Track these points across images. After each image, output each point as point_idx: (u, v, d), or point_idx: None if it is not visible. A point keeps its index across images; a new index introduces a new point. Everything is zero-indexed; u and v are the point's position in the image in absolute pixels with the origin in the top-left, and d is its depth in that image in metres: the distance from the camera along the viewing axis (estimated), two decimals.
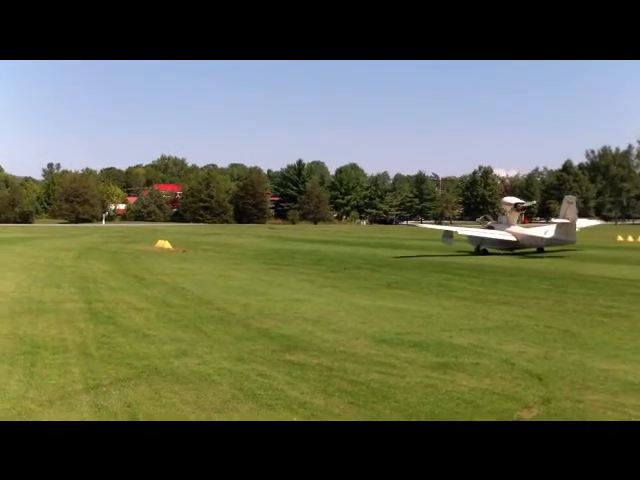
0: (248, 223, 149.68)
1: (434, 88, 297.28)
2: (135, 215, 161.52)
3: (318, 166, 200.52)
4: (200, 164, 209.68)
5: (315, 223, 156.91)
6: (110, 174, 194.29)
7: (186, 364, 12.64)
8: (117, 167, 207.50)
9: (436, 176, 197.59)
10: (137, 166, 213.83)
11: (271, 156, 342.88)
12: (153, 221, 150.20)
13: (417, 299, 22.47)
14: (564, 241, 44.65)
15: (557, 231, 44.64)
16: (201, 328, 16.49)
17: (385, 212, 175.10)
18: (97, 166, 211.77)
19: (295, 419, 9.42)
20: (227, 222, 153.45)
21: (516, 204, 49.12)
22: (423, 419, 9.44)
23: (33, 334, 15.43)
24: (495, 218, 52.71)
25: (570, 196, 48.87)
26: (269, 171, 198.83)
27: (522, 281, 28.30)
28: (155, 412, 9.61)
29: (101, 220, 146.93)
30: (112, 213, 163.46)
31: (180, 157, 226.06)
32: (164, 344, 14.49)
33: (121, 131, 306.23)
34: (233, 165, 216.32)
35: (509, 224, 47.96)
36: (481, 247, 46.96)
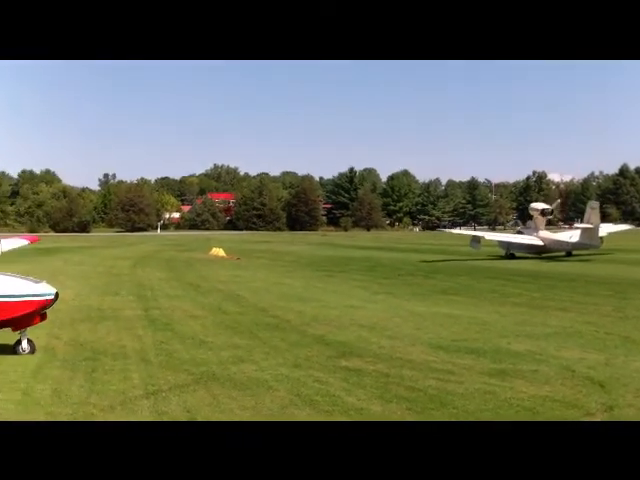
0: (301, 230, 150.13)
1: (482, 90, 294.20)
2: (189, 223, 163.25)
3: (370, 173, 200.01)
4: (252, 172, 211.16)
5: (368, 230, 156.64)
6: (164, 183, 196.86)
7: (243, 370, 12.73)
8: (171, 176, 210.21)
9: (489, 182, 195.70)
10: (191, 175, 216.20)
11: (323, 164, 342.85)
12: (207, 229, 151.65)
13: (472, 305, 22.27)
14: (589, 245, 45.91)
15: (582, 236, 45.95)
16: (257, 335, 16.60)
17: (438, 218, 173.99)
18: (152, 176, 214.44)
19: None
20: (280, 230, 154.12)
21: (542, 210, 50.53)
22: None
23: (93, 341, 15.72)
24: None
25: (593, 202, 50.54)
26: (321, 178, 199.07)
27: (580, 287, 27.82)
28: (214, 418, 9.68)
29: (156, 229, 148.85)
30: (167, 222, 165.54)
31: (233, 166, 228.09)
32: (221, 350, 14.62)
33: (174, 141, 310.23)
34: (285, 173, 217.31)
35: (537, 229, 49.22)
36: (509, 251, 48.37)
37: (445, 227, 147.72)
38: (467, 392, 11.07)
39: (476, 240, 49.24)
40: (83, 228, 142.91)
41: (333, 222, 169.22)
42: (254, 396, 10.90)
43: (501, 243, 50.37)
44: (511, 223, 57.34)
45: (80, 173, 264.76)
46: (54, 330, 16.62)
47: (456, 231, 78.18)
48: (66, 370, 12.77)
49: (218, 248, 54.78)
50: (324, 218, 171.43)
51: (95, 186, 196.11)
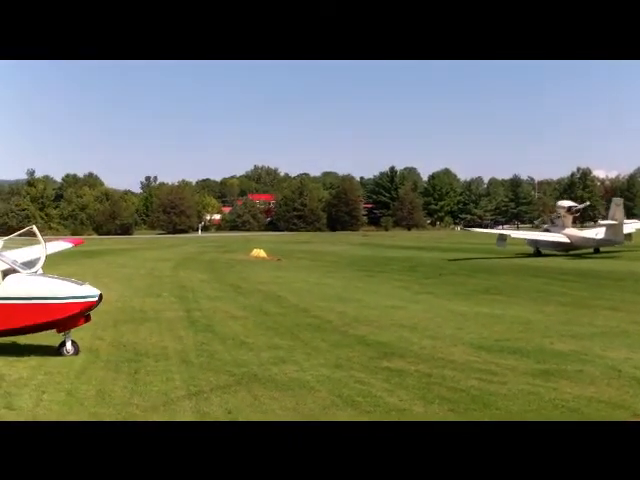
0: (341, 230, 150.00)
1: (526, 87, 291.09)
2: (230, 225, 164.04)
3: (411, 172, 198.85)
4: (293, 173, 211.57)
5: (409, 229, 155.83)
6: (205, 185, 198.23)
7: (284, 371, 12.73)
8: (212, 178, 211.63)
9: (532, 179, 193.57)
10: (231, 177, 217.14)
11: (363, 163, 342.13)
12: (247, 230, 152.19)
13: (515, 304, 22.01)
14: (614, 241, 46.69)
15: (607, 232, 46.56)
16: (298, 335, 16.59)
17: (480, 217, 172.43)
18: (192, 178, 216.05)
19: None
20: (320, 230, 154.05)
21: (569, 207, 51.29)
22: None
23: (136, 342, 15.87)
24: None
25: (618, 198, 51.21)
26: (361, 178, 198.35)
27: (629, 286, 27.30)
28: (255, 418, 9.68)
29: (197, 230, 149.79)
30: (208, 223, 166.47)
31: (273, 167, 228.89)
32: (262, 351, 14.64)
33: (215, 142, 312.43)
34: (325, 173, 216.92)
35: (564, 227, 49.74)
36: (536, 249, 49.28)
37: (482, 226, 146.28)
38: (510, 393, 10.93)
39: (502, 239, 49.99)
40: (125, 230, 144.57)
41: (374, 222, 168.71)
42: (295, 397, 10.89)
43: (529, 241, 51.00)
44: (539, 220, 58.77)
45: (122, 176, 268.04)
46: (98, 331, 16.80)
47: (481, 230, 79.28)
48: (109, 371, 12.90)
49: (259, 249, 54.92)
50: (365, 218, 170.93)
51: (137, 189, 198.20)
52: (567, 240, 48.38)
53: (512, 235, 53.12)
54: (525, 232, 57.26)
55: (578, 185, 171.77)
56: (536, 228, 57.17)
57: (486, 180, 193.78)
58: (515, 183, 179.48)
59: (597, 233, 48.29)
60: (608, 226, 46.90)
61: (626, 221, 49.70)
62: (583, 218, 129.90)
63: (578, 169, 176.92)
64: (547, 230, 51.85)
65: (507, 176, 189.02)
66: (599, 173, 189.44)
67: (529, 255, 48.32)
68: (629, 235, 49.07)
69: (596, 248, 48.25)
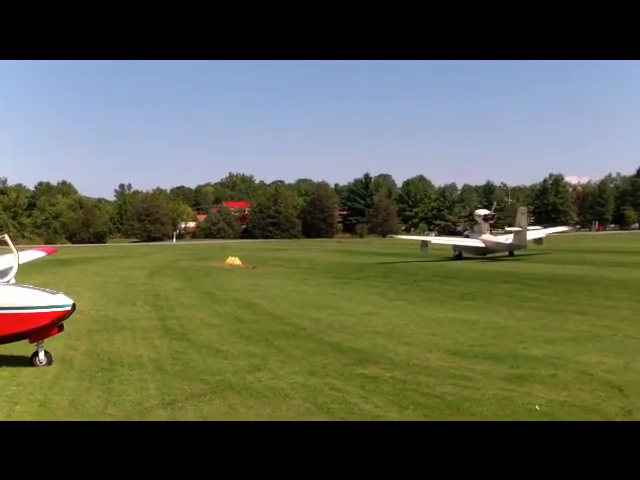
0: (316, 237, 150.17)
1: (501, 94, 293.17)
2: (205, 232, 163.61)
3: (385, 179, 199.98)
4: (268, 180, 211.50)
5: (383, 236, 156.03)
6: (180, 193, 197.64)
7: (259, 379, 12.71)
8: (186, 186, 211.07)
9: (505, 185, 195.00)
10: (206, 184, 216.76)
11: (338, 170, 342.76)
12: (223, 238, 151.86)
13: (489, 310, 22.16)
14: (519, 246, 53.43)
15: (514, 238, 53.36)
16: (273, 343, 16.59)
17: (454, 223, 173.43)
18: (167, 185, 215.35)
19: None
20: (296, 237, 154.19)
21: (485, 215, 57.38)
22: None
23: (110, 351, 15.77)
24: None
25: (523, 207, 58.95)
26: (336, 185, 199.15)
27: (598, 290, 27.58)
28: None
29: (172, 238, 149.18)
30: (182, 231, 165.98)
31: (248, 174, 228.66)
32: (237, 359, 14.61)
33: (190, 151, 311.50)
34: (301, 180, 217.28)
35: (481, 233, 56.09)
36: (457, 252, 55.15)
37: (456, 232, 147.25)
38: (484, 398, 11.00)
39: (425, 244, 55.85)
40: (99, 239, 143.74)
41: (349, 229, 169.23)
42: (270, 405, 10.87)
43: (453, 246, 56.78)
44: (460, 228, 64.39)
45: (96, 184, 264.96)
46: (71, 341, 16.67)
47: (407, 237, 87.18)
48: (83, 381, 12.80)
49: (234, 257, 54.83)
50: (340, 225, 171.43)
51: (111, 197, 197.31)
52: (483, 245, 54.77)
53: (432, 241, 59.93)
54: (446, 238, 67.01)
55: (550, 191, 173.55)
56: (459, 235, 64.12)
57: (460, 187, 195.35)
58: (488, 189, 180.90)
59: (507, 239, 54.66)
60: (515, 232, 53.53)
61: (532, 228, 59.42)
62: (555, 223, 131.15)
63: (550, 175, 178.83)
64: (467, 236, 58.32)
65: (481, 183, 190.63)
66: (571, 179, 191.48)
67: (453, 258, 53.84)
68: (540, 240, 57.95)
69: (510, 252, 54.22)
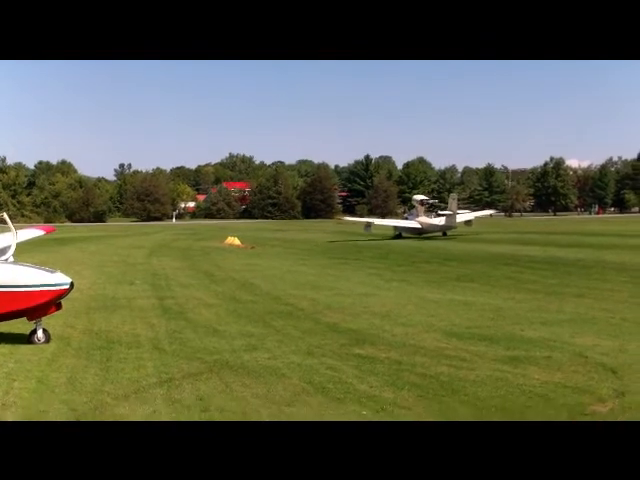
0: (316, 218, 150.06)
1: (504, 76, 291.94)
2: (204, 213, 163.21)
3: (385, 161, 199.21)
4: (268, 161, 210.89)
5: (383, 217, 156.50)
6: (180, 173, 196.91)
7: (256, 358, 12.78)
8: (186, 166, 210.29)
9: (506, 168, 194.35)
10: (206, 164, 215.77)
11: (339, 152, 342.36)
12: (222, 218, 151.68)
13: (487, 292, 22.23)
14: (450, 227, 61.05)
15: (446, 220, 60.63)
16: (270, 323, 16.65)
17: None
18: (167, 165, 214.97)
19: (364, 412, 9.44)
20: (295, 218, 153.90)
21: (421, 200, 64.37)
22: (493, 412, 9.35)
23: (108, 330, 15.83)
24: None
25: (453, 194, 69.21)
26: (337, 167, 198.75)
27: (596, 273, 27.64)
28: (226, 405, 9.76)
29: (171, 218, 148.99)
30: (182, 211, 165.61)
31: (248, 155, 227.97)
32: (234, 339, 14.68)
33: (190, 130, 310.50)
34: (301, 161, 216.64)
35: (418, 215, 62.51)
36: (397, 232, 61.74)
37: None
38: (479, 379, 11.08)
39: (368, 225, 62.28)
40: (99, 218, 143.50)
41: (349, 210, 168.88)
42: (266, 384, 10.95)
43: (394, 227, 63.82)
44: (402, 211, 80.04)
45: (96, 163, 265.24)
46: (69, 319, 16.72)
47: (353, 219, 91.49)
48: (81, 359, 12.87)
49: (233, 237, 54.84)
50: (340, 206, 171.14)
51: (111, 176, 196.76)
52: (419, 226, 61.22)
53: (375, 222, 66.42)
54: (387, 220, 75.32)
55: (551, 174, 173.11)
56: (399, 216, 72.56)
57: (460, 169, 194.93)
58: (489, 172, 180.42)
59: (440, 221, 61.38)
60: (447, 215, 60.99)
61: (461, 211, 66.33)
62: (556, 208, 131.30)
63: (551, 158, 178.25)
64: (406, 218, 65.14)
65: (481, 165, 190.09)
66: (572, 162, 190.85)
67: (393, 237, 59.96)
68: (469, 221, 66.48)
69: (443, 232, 61.26)
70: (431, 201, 66.96)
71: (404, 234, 61.11)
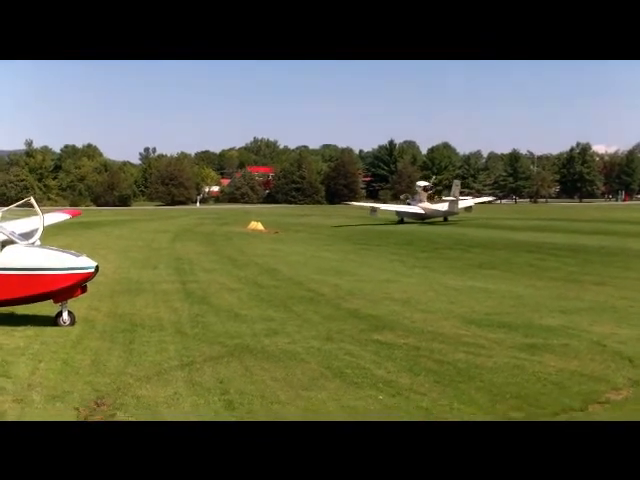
0: (339, 204, 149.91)
1: (531, 64, 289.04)
2: (228, 197, 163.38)
3: (409, 146, 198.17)
4: (292, 146, 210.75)
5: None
6: (204, 157, 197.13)
7: (276, 343, 12.98)
8: (211, 150, 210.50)
9: (531, 154, 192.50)
10: (230, 149, 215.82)
11: (363, 136, 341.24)
12: (246, 203, 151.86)
13: (508, 279, 22.25)
14: (452, 212, 61.97)
15: (449, 206, 62.13)
16: (291, 308, 16.84)
17: (478, 191, 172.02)
18: (191, 149, 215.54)
19: (380, 397, 9.60)
20: (319, 203, 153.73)
21: (424, 186, 66.13)
22: (509, 399, 9.47)
23: (132, 313, 16.11)
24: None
25: (457, 180, 72.47)
26: (361, 151, 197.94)
27: (619, 261, 27.52)
28: (246, 389, 9.97)
29: (196, 202, 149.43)
30: (206, 195, 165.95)
31: (272, 139, 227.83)
32: (255, 323, 14.89)
33: (214, 115, 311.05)
34: (325, 146, 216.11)
35: (421, 201, 64.00)
36: (400, 218, 62.68)
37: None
38: (495, 366, 11.19)
39: (374, 210, 64.67)
40: (124, 202, 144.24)
41: (372, 195, 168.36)
42: (285, 368, 11.15)
43: (396, 212, 64.99)
44: (403, 196, 74.93)
45: (121, 147, 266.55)
46: (94, 302, 17.02)
47: (359, 204, 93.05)
48: (105, 341, 13.15)
49: (256, 222, 55.00)
50: (363, 191, 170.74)
51: (136, 160, 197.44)
52: (422, 211, 62.50)
53: (381, 208, 68.23)
54: (391, 205, 76.93)
55: (577, 160, 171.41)
56: (402, 202, 72.26)
57: (485, 154, 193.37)
58: (514, 157, 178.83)
59: (443, 206, 62.93)
60: (450, 201, 62.54)
61: (462, 198, 66.35)
62: (581, 194, 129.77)
63: (577, 144, 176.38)
64: (408, 204, 65.74)
65: (506, 150, 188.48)
66: (599, 148, 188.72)
67: (397, 222, 60.84)
68: (470, 208, 66.48)
69: (444, 217, 62.14)
70: (434, 188, 69.66)
71: (406, 219, 62.44)
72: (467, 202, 69.09)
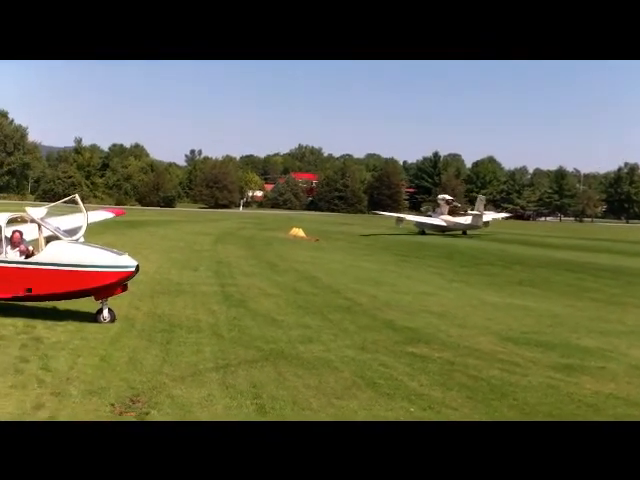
0: (368, 213, 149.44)
1: (578, 81, 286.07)
2: (271, 202, 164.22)
3: (454, 159, 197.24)
4: (336, 154, 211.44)
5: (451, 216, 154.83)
6: (249, 161, 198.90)
7: (311, 350, 13.05)
8: (256, 155, 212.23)
9: (578, 172, 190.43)
10: (275, 154, 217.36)
11: (407, 147, 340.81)
12: (289, 209, 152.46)
13: (547, 298, 22.05)
14: (476, 226, 64.79)
15: (473, 219, 64.84)
16: (328, 316, 16.89)
17: (522, 207, 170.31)
18: (237, 153, 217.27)
19: (412, 409, 9.61)
20: (361, 212, 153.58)
21: (447, 200, 68.47)
22: (541, 419, 9.40)
23: (170, 314, 16.30)
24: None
25: (482, 196, 75.34)
26: (405, 162, 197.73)
27: None
28: (278, 394, 10.05)
29: (239, 206, 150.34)
30: (249, 199, 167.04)
31: (317, 146, 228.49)
32: (291, 329, 14.98)
33: (261, 120, 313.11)
34: (369, 155, 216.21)
35: (442, 214, 66.71)
36: (421, 229, 65.44)
37: (524, 217, 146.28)
38: (530, 385, 11.12)
39: (400, 220, 66.73)
40: (168, 203, 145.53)
41: (415, 207, 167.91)
42: (319, 375, 11.21)
43: (416, 223, 67.85)
44: (424, 209, 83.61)
45: (168, 148, 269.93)
46: (134, 301, 17.26)
47: (385, 213, 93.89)
48: (143, 340, 13.34)
49: (298, 228, 55.14)
50: (406, 202, 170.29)
51: (181, 162, 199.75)
52: (444, 224, 65.04)
53: (407, 218, 70.05)
54: (414, 216, 77.80)
55: (625, 180, 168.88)
56: (422, 214, 76.50)
57: (531, 170, 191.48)
58: (560, 174, 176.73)
59: (465, 220, 65.92)
60: (474, 215, 65.53)
61: (485, 212, 69.68)
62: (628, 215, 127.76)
63: (626, 164, 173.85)
64: (429, 216, 69.31)
65: (552, 167, 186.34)
66: None
67: (418, 233, 63.92)
68: (487, 222, 68.35)
69: (464, 231, 65.22)
70: (456, 202, 72.42)
71: (427, 231, 64.80)
72: (485, 217, 70.76)
